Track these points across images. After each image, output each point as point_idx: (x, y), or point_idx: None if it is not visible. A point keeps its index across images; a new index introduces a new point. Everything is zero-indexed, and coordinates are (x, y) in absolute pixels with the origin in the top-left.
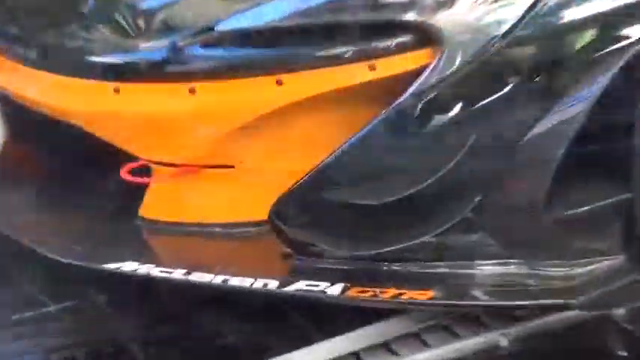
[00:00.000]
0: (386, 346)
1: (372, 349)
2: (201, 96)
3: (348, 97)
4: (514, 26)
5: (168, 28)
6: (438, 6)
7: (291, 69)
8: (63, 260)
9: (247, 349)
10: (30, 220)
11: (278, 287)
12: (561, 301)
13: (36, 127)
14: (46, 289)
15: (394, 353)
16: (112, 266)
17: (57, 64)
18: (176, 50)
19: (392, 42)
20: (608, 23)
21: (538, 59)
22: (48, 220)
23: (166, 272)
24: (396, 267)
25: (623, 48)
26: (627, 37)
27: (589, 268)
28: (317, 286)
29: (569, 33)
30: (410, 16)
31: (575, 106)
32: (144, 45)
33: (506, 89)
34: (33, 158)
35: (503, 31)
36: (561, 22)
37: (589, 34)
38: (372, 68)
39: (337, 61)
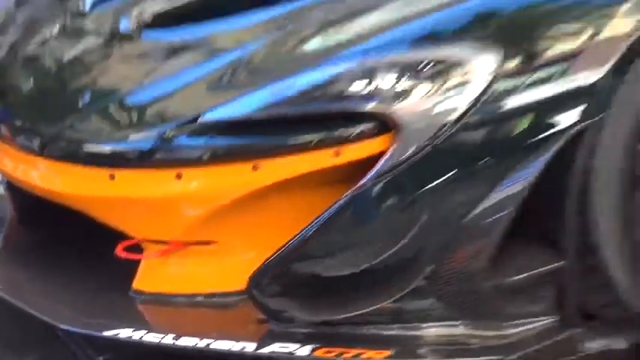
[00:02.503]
0: None
1: None
2: (186, 181)
3: (316, 180)
4: (464, 113)
5: (156, 120)
6: (396, 96)
7: (265, 155)
8: (68, 328)
9: None
10: (36, 291)
11: (255, 349)
12: (500, 357)
13: (40, 208)
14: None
15: None
16: (110, 333)
17: (57, 152)
18: (164, 140)
19: (355, 130)
20: (544, 110)
21: (484, 143)
22: (53, 292)
23: (157, 337)
24: (358, 330)
25: (556, 134)
26: (559, 124)
27: (525, 327)
28: (289, 347)
29: (510, 119)
30: (371, 107)
31: (514, 186)
32: (135, 135)
33: (453, 172)
34: (38, 236)
35: (455, 117)
36: (504, 109)
37: (527, 121)
38: (337, 154)
39: (306, 147)
